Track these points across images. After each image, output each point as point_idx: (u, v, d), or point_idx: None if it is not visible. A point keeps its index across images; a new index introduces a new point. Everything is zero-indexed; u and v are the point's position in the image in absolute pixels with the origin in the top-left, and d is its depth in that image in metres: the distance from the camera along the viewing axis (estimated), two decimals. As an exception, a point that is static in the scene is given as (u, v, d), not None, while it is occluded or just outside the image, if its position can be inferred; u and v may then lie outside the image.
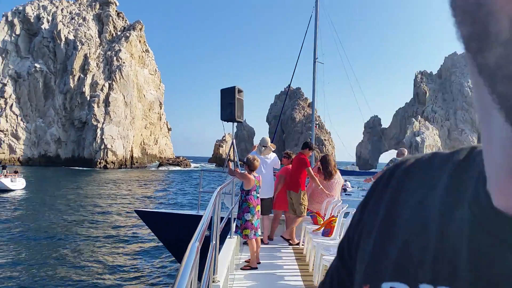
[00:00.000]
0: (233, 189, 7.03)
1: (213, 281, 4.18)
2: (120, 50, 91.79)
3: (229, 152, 9.20)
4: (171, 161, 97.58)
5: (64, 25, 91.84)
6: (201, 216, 2.88)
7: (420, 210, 0.47)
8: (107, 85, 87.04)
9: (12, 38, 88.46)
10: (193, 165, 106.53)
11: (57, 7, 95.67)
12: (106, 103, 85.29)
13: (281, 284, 5.55)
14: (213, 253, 3.86)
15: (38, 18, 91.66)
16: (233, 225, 6.53)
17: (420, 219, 0.46)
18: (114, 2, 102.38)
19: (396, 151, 9.09)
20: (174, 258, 9.90)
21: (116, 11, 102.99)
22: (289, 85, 21.40)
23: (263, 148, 7.94)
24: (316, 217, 7.09)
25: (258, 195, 6.21)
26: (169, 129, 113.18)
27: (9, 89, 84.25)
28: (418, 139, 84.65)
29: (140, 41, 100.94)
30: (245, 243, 6.93)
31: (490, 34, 0.27)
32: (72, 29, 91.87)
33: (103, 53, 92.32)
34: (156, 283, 10.13)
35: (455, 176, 0.45)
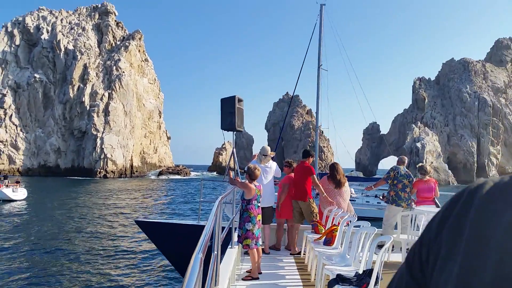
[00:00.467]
0: (234, 198, 7.01)
1: None
2: (119, 59, 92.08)
3: (229, 161, 9.19)
4: (170, 170, 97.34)
5: (64, 35, 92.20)
6: (201, 226, 2.88)
7: None
8: (106, 94, 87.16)
9: (12, 48, 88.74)
10: (193, 173, 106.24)
11: (56, 17, 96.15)
12: (106, 112, 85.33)
13: (283, 294, 5.52)
14: (215, 263, 3.84)
15: (38, 28, 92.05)
16: (235, 235, 6.50)
17: None
18: (113, 12, 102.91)
19: (396, 157, 9.10)
20: (174, 269, 9.83)
21: (115, 20, 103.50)
22: (294, 93, 21.55)
23: (264, 157, 7.93)
24: (318, 226, 7.07)
25: (259, 204, 6.19)
26: (169, 138, 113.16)
27: (8, 100, 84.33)
28: (419, 145, 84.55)
29: (139, 51, 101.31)
30: (246, 253, 6.90)
31: None
32: (72, 39, 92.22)
33: (102, 62, 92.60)
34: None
35: None
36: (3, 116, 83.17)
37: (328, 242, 6.27)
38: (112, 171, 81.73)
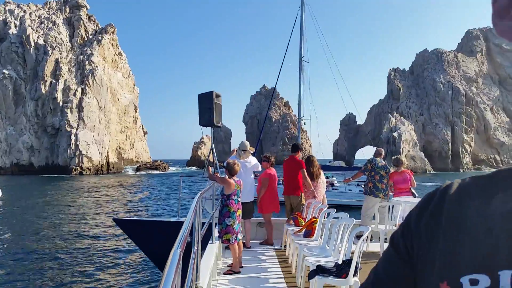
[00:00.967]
0: (213, 194, 7.01)
1: (196, 287, 4.17)
2: (92, 54, 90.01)
3: (208, 156, 9.16)
4: (148, 165, 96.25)
5: (33, 30, 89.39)
6: (181, 223, 2.87)
7: (484, 215, 0.58)
8: (80, 90, 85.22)
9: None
10: (171, 168, 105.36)
11: (24, 11, 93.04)
12: (80, 108, 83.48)
13: (264, 286, 5.57)
14: (195, 259, 3.84)
15: (5, 22, 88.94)
16: (215, 230, 6.51)
17: (485, 222, 0.57)
18: (85, 5, 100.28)
19: (372, 147, 9.26)
20: (155, 266, 9.77)
21: (87, 14, 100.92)
22: (276, 85, 21.65)
23: (243, 152, 7.95)
24: (298, 219, 7.14)
25: (239, 199, 6.21)
26: (145, 133, 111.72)
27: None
28: (395, 134, 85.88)
29: (112, 44, 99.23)
30: (227, 247, 6.92)
31: None
32: (42, 34, 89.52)
33: (75, 57, 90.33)
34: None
35: None
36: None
37: (308, 234, 6.35)
38: (88, 168, 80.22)
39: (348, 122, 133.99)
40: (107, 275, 11.31)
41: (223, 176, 6.39)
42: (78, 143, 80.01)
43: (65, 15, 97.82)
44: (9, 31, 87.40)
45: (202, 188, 6.26)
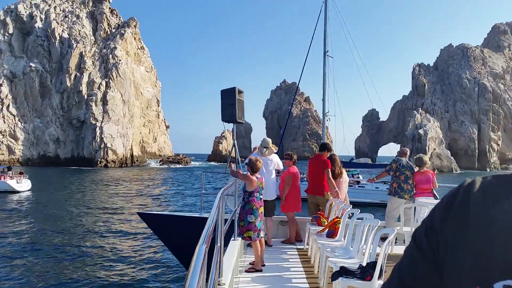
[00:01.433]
0: (236, 190, 6.98)
1: (218, 284, 4.15)
2: (115, 47, 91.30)
3: (230, 153, 9.15)
4: (171, 159, 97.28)
5: (58, 24, 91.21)
6: (204, 218, 2.86)
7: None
8: (104, 83, 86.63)
9: (6, 37, 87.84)
10: (193, 162, 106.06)
11: (49, 5, 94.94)
12: (104, 101, 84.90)
13: (287, 286, 5.52)
14: (218, 255, 3.82)
15: (31, 16, 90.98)
16: (236, 227, 6.49)
17: None
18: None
19: (395, 144, 9.06)
20: (177, 261, 9.86)
21: (109, 8, 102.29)
22: (299, 81, 21.54)
23: (265, 149, 7.89)
24: (320, 218, 7.05)
25: (261, 196, 6.16)
26: (167, 127, 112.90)
27: (5, 89, 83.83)
28: (421, 131, 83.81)
29: (135, 38, 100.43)
30: (249, 245, 6.89)
31: None
32: (66, 27, 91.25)
33: (98, 51, 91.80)
34: (159, 286, 10.10)
35: None
36: (0, 106, 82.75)
37: (331, 234, 6.26)
38: (112, 161, 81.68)
39: (370, 118, 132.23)
40: (129, 267, 11.48)
41: (245, 173, 6.35)
42: (103, 136, 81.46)
43: (88, 9, 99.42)
44: (35, 25, 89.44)
45: (224, 184, 6.25)
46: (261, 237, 6.08)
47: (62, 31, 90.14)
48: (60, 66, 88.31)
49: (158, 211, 15.70)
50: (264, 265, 6.15)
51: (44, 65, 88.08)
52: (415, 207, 7.50)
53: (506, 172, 0.62)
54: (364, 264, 4.66)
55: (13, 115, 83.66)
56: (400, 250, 7.34)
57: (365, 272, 4.40)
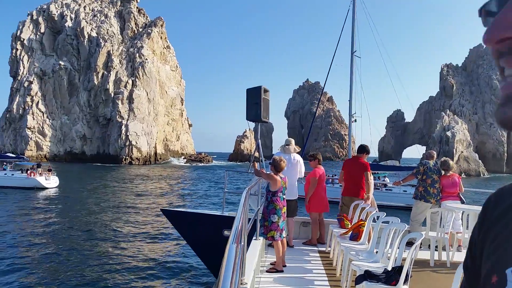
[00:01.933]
0: (259, 190, 6.95)
1: (241, 283, 4.13)
2: (142, 46, 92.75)
3: (254, 152, 9.13)
4: (193, 157, 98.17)
5: (87, 23, 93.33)
6: (225, 217, 2.85)
7: None
8: (130, 81, 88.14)
9: (37, 36, 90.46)
10: (214, 161, 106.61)
11: (79, 5, 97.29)
12: (130, 99, 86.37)
13: (308, 288, 5.46)
14: (242, 254, 3.81)
15: (62, 16, 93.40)
16: (259, 227, 6.46)
17: None
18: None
19: (420, 146, 8.85)
20: (198, 258, 9.90)
21: (137, 7, 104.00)
22: (325, 81, 21.30)
23: (286, 146, 7.88)
24: (343, 221, 6.95)
25: (284, 196, 6.12)
26: (190, 125, 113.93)
27: (35, 87, 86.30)
28: (449, 133, 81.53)
29: (161, 38, 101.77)
30: (270, 245, 6.85)
31: None
32: (95, 26, 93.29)
33: (125, 50, 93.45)
34: (181, 283, 10.17)
35: None
36: (30, 103, 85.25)
37: (355, 237, 6.15)
38: (137, 158, 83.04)
39: (395, 119, 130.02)
40: (152, 262, 11.61)
41: (269, 172, 6.31)
42: (128, 133, 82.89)
43: (116, 8, 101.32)
44: (65, 24, 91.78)
45: (246, 183, 6.23)
46: (283, 237, 6.04)
47: (91, 30, 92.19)
48: (88, 64, 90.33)
49: (181, 209, 15.84)
50: (285, 266, 6.11)
51: (73, 63, 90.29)
52: (441, 212, 7.30)
53: None
54: (389, 268, 4.56)
55: (42, 112, 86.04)
56: (424, 255, 7.16)
57: (391, 276, 4.30)
